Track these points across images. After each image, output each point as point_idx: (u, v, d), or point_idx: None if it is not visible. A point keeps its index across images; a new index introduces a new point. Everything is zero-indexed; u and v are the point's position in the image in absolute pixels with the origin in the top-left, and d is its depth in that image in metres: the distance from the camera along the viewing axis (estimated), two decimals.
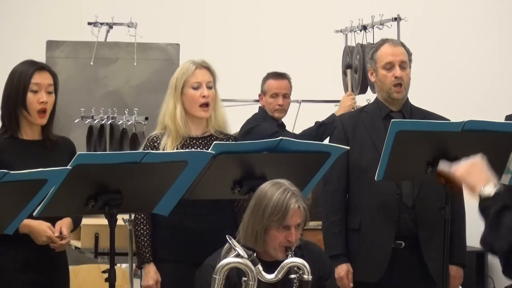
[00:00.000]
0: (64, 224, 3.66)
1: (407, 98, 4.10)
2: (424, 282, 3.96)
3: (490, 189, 2.45)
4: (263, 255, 3.36)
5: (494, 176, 2.51)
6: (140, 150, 3.84)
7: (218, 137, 3.90)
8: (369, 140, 3.93)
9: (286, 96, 5.80)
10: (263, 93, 5.82)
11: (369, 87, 6.54)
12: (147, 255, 3.84)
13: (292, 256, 3.24)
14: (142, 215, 3.86)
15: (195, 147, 3.85)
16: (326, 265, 3.50)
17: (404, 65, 4.02)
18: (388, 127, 3.96)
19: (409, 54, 4.07)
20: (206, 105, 3.87)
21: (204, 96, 3.86)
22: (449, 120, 3.95)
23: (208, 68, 3.93)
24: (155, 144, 3.88)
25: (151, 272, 3.82)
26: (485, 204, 2.43)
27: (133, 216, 4.06)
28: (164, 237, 3.85)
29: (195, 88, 3.87)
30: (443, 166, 2.79)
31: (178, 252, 3.82)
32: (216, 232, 3.75)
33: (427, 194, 3.92)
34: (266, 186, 3.33)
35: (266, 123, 5.69)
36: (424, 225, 3.93)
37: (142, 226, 3.86)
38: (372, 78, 4.12)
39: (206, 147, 3.80)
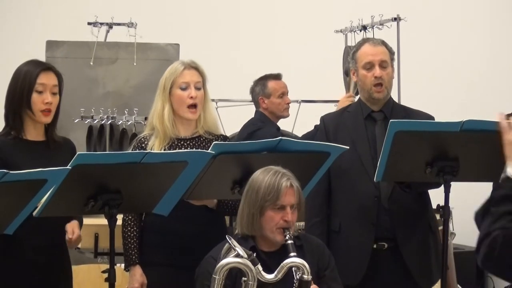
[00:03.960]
0: (75, 225, 3.71)
1: (390, 97, 4.08)
2: (407, 282, 3.95)
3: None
4: (262, 245, 3.39)
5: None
6: (129, 151, 3.84)
7: (207, 138, 3.88)
8: (350, 141, 3.89)
9: (287, 94, 5.87)
10: (266, 96, 5.83)
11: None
12: (133, 257, 3.80)
13: (290, 236, 3.27)
14: (130, 217, 3.83)
15: (183, 148, 3.82)
16: (325, 255, 3.51)
17: (385, 64, 3.99)
18: (369, 128, 3.98)
19: (391, 53, 4.04)
20: (194, 106, 3.83)
21: (192, 97, 3.82)
22: (433, 117, 3.95)
23: (197, 68, 3.87)
24: (143, 145, 3.84)
25: (137, 275, 3.79)
26: (502, 184, 2.45)
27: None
28: (153, 240, 3.82)
29: (183, 89, 3.83)
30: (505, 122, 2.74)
31: (167, 256, 3.79)
32: (206, 235, 3.74)
33: (400, 195, 3.90)
34: (257, 172, 3.39)
35: (267, 127, 5.71)
36: (400, 226, 3.92)
37: (129, 228, 3.82)
38: (354, 78, 4.10)
39: (194, 148, 3.79)
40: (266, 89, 5.84)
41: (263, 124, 5.76)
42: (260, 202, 3.33)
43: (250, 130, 5.69)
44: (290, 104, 6.00)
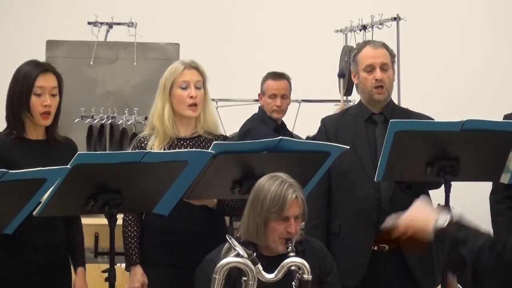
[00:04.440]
0: (83, 282, 3.76)
1: (390, 99, 4.09)
2: (409, 284, 3.94)
3: (443, 220, 2.38)
4: (264, 250, 3.39)
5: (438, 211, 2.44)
6: (129, 151, 3.84)
7: (207, 138, 3.88)
8: (350, 143, 3.88)
9: (285, 96, 5.78)
10: (262, 93, 5.80)
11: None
12: (134, 257, 3.81)
13: (292, 248, 3.26)
14: (130, 217, 3.83)
15: (183, 148, 3.81)
16: (327, 260, 3.50)
17: (386, 67, 4.00)
18: (369, 130, 3.99)
19: (392, 55, 4.05)
20: (194, 105, 3.83)
21: (192, 97, 3.82)
22: (433, 119, 3.95)
23: (197, 68, 3.87)
24: (142, 144, 3.85)
25: (138, 275, 3.80)
26: (442, 233, 2.36)
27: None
28: (154, 240, 3.83)
29: (183, 88, 3.83)
30: (382, 227, 2.66)
31: (168, 256, 3.80)
32: (206, 234, 3.75)
33: (400, 197, 3.88)
34: (263, 180, 3.36)
35: (262, 126, 5.66)
36: None
37: (130, 228, 3.83)
38: (355, 81, 4.10)
39: (194, 148, 3.79)
40: (263, 86, 5.81)
41: (260, 122, 5.73)
42: (265, 214, 3.31)
43: (247, 127, 5.67)
44: (287, 106, 5.91)
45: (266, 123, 5.72)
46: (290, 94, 5.82)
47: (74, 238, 3.82)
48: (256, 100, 6.09)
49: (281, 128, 5.82)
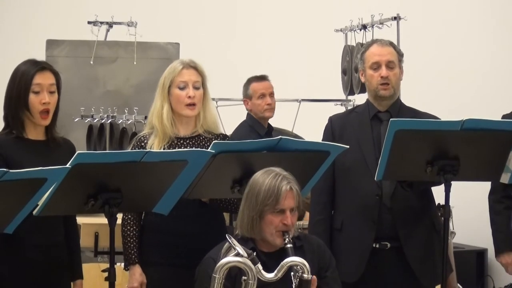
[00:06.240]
0: None
1: (398, 98, 4.10)
2: (410, 282, 3.95)
3: None
4: (262, 245, 3.39)
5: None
6: (129, 150, 3.84)
7: (207, 137, 3.87)
8: (355, 140, 3.92)
9: (272, 95, 5.87)
10: (248, 97, 5.87)
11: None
12: (133, 256, 3.80)
13: (289, 240, 3.27)
14: (129, 216, 3.82)
15: (183, 147, 3.80)
16: (326, 256, 3.51)
17: (392, 65, 4.00)
18: (374, 127, 3.99)
19: (399, 54, 4.05)
20: (192, 104, 3.82)
21: (189, 97, 3.81)
22: (440, 119, 3.95)
23: (195, 68, 3.86)
24: (142, 144, 3.84)
25: (136, 274, 3.79)
26: None
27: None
28: (153, 240, 3.82)
29: (181, 88, 3.82)
30: None
31: (167, 255, 3.78)
32: (206, 234, 3.74)
33: (402, 193, 3.89)
34: (257, 174, 3.38)
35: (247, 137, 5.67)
36: (402, 224, 3.92)
37: (129, 227, 3.82)
38: (362, 79, 4.11)
39: (194, 147, 3.79)
40: (248, 91, 5.88)
41: (249, 130, 5.76)
42: (259, 206, 3.32)
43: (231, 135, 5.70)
44: (275, 104, 5.94)
45: (256, 130, 5.76)
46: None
47: (72, 239, 3.82)
48: None
49: (270, 132, 5.85)
